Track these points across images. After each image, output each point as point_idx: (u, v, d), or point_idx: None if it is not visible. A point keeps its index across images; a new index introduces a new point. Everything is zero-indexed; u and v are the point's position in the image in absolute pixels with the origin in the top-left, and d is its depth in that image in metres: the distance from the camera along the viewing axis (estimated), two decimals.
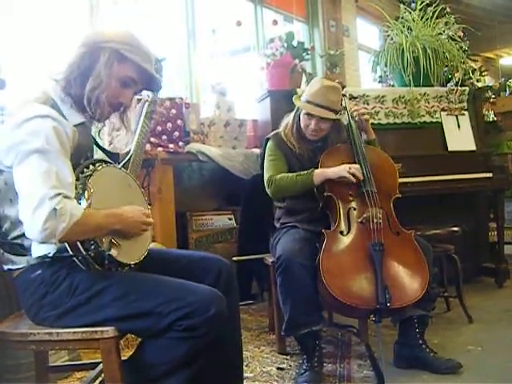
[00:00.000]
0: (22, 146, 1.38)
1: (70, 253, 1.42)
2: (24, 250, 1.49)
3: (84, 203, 1.42)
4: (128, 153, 1.79)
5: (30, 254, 1.48)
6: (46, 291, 1.47)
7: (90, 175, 1.46)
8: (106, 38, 1.55)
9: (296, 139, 2.44)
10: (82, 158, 1.56)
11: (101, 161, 1.58)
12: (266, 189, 2.41)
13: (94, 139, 1.76)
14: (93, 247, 1.42)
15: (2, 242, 1.51)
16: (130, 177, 1.67)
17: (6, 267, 1.55)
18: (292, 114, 2.50)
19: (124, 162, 1.76)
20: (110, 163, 1.63)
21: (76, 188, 1.42)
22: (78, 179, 1.44)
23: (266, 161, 2.47)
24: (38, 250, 1.46)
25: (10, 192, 1.44)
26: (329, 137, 2.45)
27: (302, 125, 2.43)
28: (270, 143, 2.50)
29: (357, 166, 2.28)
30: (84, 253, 1.41)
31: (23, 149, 1.38)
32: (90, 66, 1.53)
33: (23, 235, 1.44)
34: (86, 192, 1.42)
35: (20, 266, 1.51)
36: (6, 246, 1.52)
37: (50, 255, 1.45)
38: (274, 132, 2.55)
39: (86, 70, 1.53)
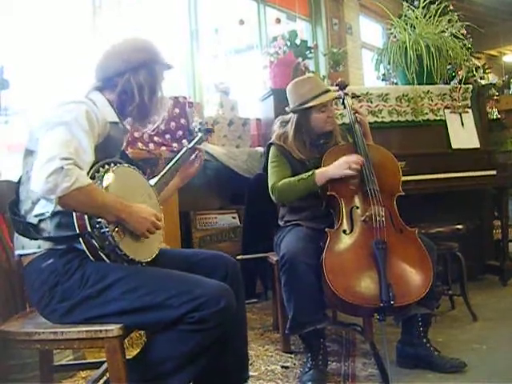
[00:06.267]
0: (52, 119, 1.48)
1: (76, 225, 1.44)
2: (36, 232, 1.50)
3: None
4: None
5: (41, 235, 1.50)
6: (58, 281, 1.49)
7: (114, 168, 1.54)
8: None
9: (301, 146, 2.42)
10: (109, 153, 1.62)
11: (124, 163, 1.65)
12: (271, 196, 2.42)
13: (126, 154, 1.84)
14: (98, 226, 1.44)
15: (19, 221, 1.53)
16: (152, 190, 1.73)
17: (17, 252, 1.57)
18: (288, 123, 2.47)
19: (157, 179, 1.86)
20: (139, 168, 1.70)
21: (99, 171, 1.50)
22: (97, 171, 1.50)
23: (269, 167, 2.47)
24: (38, 209, 1.50)
25: None
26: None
27: (316, 125, 2.42)
28: (272, 149, 2.49)
29: (354, 156, 2.26)
30: (89, 229, 1.43)
31: (53, 121, 1.47)
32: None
33: (39, 214, 1.49)
34: (105, 180, 1.48)
35: (30, 251, 1.53)
36: (22, 225, 1.52)
37: (48, 214, 1.48)
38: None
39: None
